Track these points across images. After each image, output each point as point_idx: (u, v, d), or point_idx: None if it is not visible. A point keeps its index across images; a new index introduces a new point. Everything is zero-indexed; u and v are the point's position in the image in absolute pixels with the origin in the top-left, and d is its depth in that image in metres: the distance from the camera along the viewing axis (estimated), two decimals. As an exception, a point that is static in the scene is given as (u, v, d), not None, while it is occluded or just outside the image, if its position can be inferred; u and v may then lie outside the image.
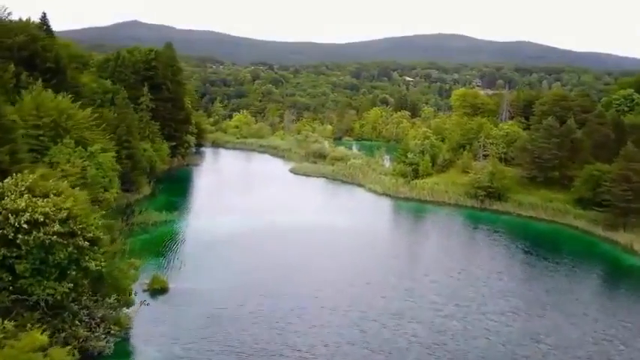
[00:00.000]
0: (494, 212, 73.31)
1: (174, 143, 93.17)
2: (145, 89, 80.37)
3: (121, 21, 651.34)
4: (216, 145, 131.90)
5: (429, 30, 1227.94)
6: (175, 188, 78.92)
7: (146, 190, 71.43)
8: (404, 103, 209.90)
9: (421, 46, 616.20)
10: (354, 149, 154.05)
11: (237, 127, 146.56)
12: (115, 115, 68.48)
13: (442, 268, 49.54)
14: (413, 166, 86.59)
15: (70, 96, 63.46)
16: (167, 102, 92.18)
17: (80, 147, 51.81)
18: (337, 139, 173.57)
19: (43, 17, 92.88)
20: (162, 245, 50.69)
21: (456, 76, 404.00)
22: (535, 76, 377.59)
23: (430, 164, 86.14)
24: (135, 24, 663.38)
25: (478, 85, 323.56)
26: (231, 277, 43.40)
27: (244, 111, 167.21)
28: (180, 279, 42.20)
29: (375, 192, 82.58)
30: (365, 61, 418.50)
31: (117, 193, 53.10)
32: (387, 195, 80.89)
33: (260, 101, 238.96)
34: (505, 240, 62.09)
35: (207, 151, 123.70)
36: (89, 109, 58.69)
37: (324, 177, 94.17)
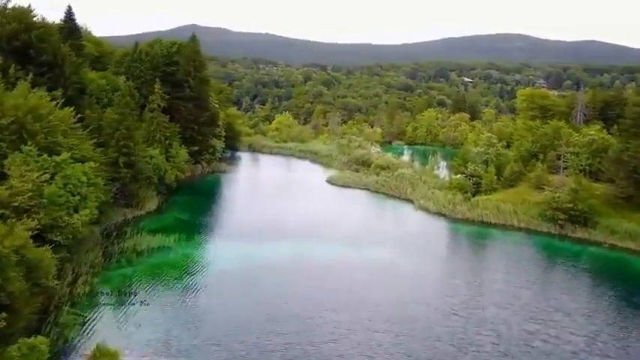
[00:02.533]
0: (577, 241, 57.80)
1: (196, 148, 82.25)
2: (157, 86, 69.48)
3: (180, 25, 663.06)
4: (252, 149, 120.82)
5: (489, 30, 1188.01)
6: (190, 202, 67.53)
7: (151, 204, 60.27)
8: (462, 104, 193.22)
9: (481, 46, 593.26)
10: (405, 155, 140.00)
11: (277, 129, 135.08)
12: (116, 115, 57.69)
13: (517, 331, 35.16)
14: (474, 179, 71.82)
15: (58, 92, 54.07)
16: (189, 101, 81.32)
17: (45, 155, 40.81)
18: (387, 143, 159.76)
19: (69, 11, 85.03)
20: (137, 286, 38.73)
21: (517, 76, 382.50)
22: (606, 76, 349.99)
23: (495, 177, 71.05)
24: (193, 28, 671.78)
25: (543, 86, 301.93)
26: (216, 345, 30.86)
27: (287, 112, 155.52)
28: (142, 345, 29.98)
29: (426, 210, 68.36)
30: (421, 61, 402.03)
31: (93, 214, 41.75)
32: (441, 214, 66.54)
33: (311, 103, 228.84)
34: (597, 282, 47.05)
35: (242, 156, 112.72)
36: (69, 109, 47.86)
37: (366, 189, 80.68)
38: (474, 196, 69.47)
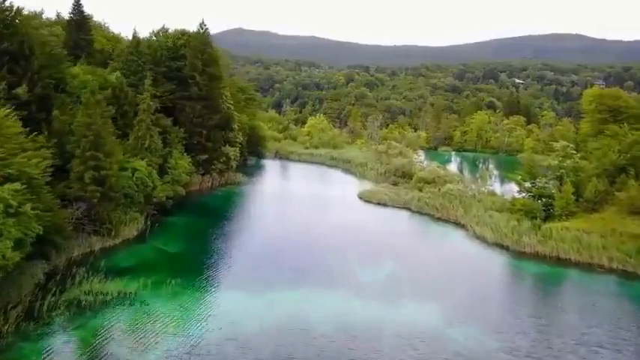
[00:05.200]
0: (697, 292, 41.93)
1: (205, 156, 69.93)
2: (148, 82, 57.22)
3: (226, 29, 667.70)
4: (279, 156, 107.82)
5: (541, 30, 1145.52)
6: (186, 225, 54.74)
7: (130, 230, 47.69)
8: (516, 106, 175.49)
9: (533, 47, 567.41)
10: (453, 162, 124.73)
11: (309, 133, 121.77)
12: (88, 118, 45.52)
13: None
14: (544, 200, 56.45)
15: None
16: (196, 101, 69.06)
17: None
18: (432, 149, 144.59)
19: (76, 3, 75.73)
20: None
21: (574, 77, 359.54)
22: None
23: (573, 198, 55.36)
24: (239, 31, 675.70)
25: (601, 87, 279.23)
26: None
27: (320, 114, 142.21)
28: None
29: (483, 239, 53.54)
30: (469, 62, 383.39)
31: (9, 259, 29.36)
32: (502, 246, 51.61)
33: (353, 105, 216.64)
34: None
35: (266, 165, 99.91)
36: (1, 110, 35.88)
37: (406, 208, 66.22)
38: (544, 221, 54.13)
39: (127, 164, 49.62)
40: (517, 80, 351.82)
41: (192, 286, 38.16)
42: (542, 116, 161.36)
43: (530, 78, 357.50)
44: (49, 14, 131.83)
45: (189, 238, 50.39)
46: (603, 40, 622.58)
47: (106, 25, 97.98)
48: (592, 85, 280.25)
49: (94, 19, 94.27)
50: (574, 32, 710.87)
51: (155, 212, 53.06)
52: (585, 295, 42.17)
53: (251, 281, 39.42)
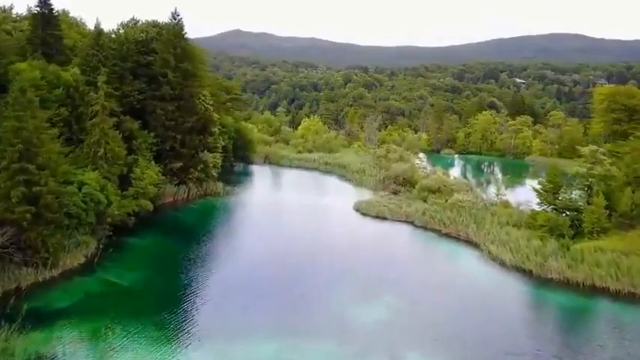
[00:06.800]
0: None
1: (179, 164, 61.60)
2: (102, 78, 48.69)
3: (224, 31, 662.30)
4: (268, 161, 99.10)
5: (540, 30, 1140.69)
6: (150, 248, 46.21)
7: (75, 258, 39.19)
8: (521, 106, 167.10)
9: (533, 47, 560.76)
10: (457, 166, 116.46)
11: (302, 136, 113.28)
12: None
13: None
14: (570, 214, 48.11)
15: None
16: (168, 102, 60.67)
17: None
18: (434, 152, 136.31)
19: None
20: None
21: (575, 76, 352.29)
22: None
23: (605, 212, 46.93)
24: (238, 33, 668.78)
25: (604, 86, 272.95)
26: None
27: (315, 116, 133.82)
28: None
29: (500, 261, 45.16)
30: (469, 62, 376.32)
31: None
32: (522, 270, 43.24)
33: (350, 106, 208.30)
34: None
35: (254, 171, 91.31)
36: None
37: (408, 222, 57.77)
38: (572, 239, 45.80)
39: (72, 177, 41.18)
40: (518, 80, 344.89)
41: (141, 337, 29.62)
42: (551, 116, 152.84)
43: (532, 78, 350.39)
44: (21, 9, 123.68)
45: (150, 266, 41.95)
46: (603, 40, 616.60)
47: (83, 21, 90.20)
48: (595, 85, 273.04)
49: (71, 15, 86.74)
50: (574, 32, 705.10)
51: (111, 233, 44.46)
52: (634, 337, 33.71)
53: (217, 329, 31.17)
